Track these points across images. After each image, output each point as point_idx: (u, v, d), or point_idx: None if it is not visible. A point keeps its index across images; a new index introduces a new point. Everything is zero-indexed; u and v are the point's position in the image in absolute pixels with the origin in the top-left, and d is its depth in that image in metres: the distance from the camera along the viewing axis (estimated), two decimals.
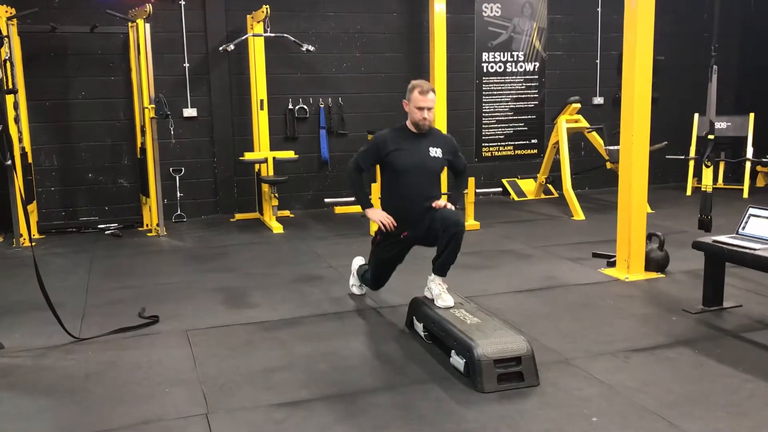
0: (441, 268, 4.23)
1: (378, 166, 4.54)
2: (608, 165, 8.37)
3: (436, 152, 4.33)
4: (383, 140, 4.33)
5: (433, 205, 4.25)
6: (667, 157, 8.79)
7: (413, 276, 5.44)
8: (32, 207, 7.32)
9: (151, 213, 7.50)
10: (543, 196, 9.28)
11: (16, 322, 4.57)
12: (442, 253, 4.19)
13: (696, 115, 9.46)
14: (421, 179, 4.29)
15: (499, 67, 9.39)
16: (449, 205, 4.28)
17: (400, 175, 4.29)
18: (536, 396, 3.34)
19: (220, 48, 7.84)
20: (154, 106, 7.15)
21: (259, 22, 7.71)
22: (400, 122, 4.45)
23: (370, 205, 4.46)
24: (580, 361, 3.75)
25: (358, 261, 5.10)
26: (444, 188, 5.94)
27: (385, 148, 4.30)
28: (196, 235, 7.41)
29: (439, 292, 4.14)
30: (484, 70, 9.33)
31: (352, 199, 7.48)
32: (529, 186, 9.41)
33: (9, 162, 4.36)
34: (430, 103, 4.21)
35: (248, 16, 7.95)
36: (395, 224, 4.31)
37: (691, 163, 9.33)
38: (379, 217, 4.32)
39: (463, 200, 7.20)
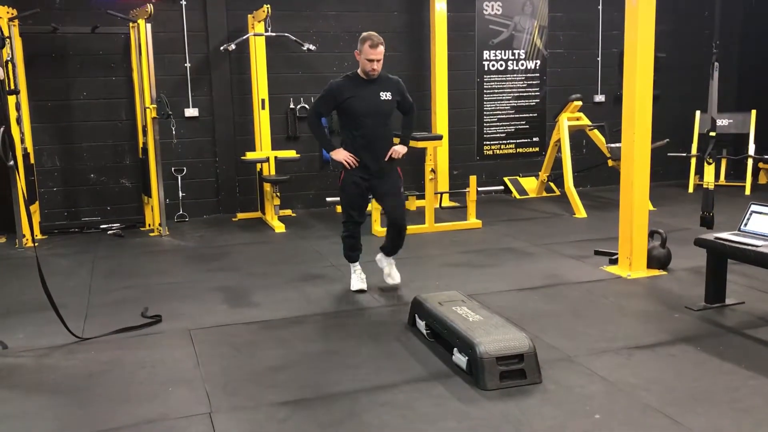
0: (392, 252, 5.08)
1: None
2: (610, 163, 8.37)
3: (386, 95, 4.84)
4: (338, 88, 4.80)
5: (388, 154, 4.86)
6: (668, 154, 8.77)
7: (414, 275, 5.46)
8: (35, 207, 7.33)
9: (153, 213, 7.51)
10: (545, 194, 9.28)
11: (20, 322, 4.59)
12: (393, 243, 5.01)
13: (697, 113, 9.45)
14: (376, 121, 4.82)
15: (500, 65, 9.39)
16: (401, 151, 4.90)
17: (355, 118, 4.81)
18: (539, 393, 3.35)
19: (221, 48, 7.84)
20: (155, 106, 7.16)
21: (260, 21, 7.71)
22: (352, 71, 4.87)
23: (333, 147, 4.95)
24: (583, 358, 3.76)
25: (355, 265, 5.20)
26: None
27: (341, 96, 4.78)
28: (198, 234, 7.42)
29: (389, 270, 5.08)
30: (485, 69, 9.33)
31: None
32: (530, 184, 9.41)
33: (11, 163, 4.36)
34: (379, 56, 4.69)
35: (249, 15, 7.95)
36: (357, 161, 4.82)
37: (693, 161, 9.32)
38: (342, 156, 4.84)
39: (464, 198, 7.20)
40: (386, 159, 4.89)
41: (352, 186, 4.90)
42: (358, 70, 4.82)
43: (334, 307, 4.79)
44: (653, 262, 5.39)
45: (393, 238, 5.00)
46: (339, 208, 5.41)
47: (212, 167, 8.37)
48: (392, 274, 5.08)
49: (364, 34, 4.76)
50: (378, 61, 4.69)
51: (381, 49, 4.69)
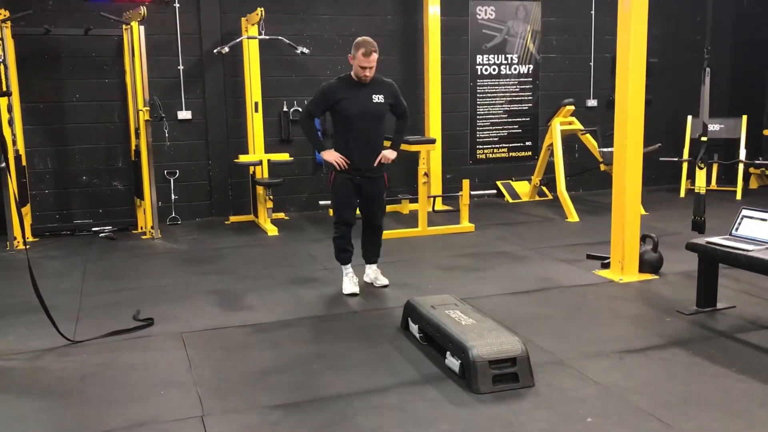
0: (374, 258, 5.26)
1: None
2: (602, 167, 8.40)
3: (378, 98, 4.88)
4: (331, 90, 4.86)
5: (378, 159, 4.91)
6: (660, 159, 8.82)
7: (407, 278, 5.46)
8: (26, 210, 7.30)
9: (146, 215, 7.48)
10: (537, 198, 9.30)
11: (11, 324, 4.56)
12: (371, 248, 5.21)
13: (689, 118, 9.50)
14: (367, 123, 4.87)
15: (493, 70, 9.42)
16: (390, 156, 4.95)
17: (348, 120, 4.85)
18: (531, 397, 3.35)
19: (215, 50, 7.83)
20: (148, 108, 7.14)
21: (253, 24, 7.70)
22: (346, 73, 4.93)
23: (324, 148, 5.02)
24: (575, 361, 3.77)
25: (347, 268, 5.20)
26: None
27: (334, 97, 4.83)
28: (191, 237, 7.40)
29: (376, 275, 5.22)
30: (479, 73, 9.35)
31: None
32: (523, 188, 9.43)
33: (3, 164, 4.35)
34: (372, 63, 4.74)
35: (243, 18, 7.95)
36: (348, 162, 4.86)
37: (685, 165, 9.37)
38: (333, 157, 4.89)
39: (457, 202, 7.22)
40: (375, 164, 4.93)
41: (343, 186, 4.95)
42: (352, 73, 4.86)
43: (327, 310, 4.79)
44: (645, 266, 5.40)
45: (368, 241, 5.17)
46: (331, 211, 5.41)
47: (205, 170, 8.36)
48: (379, 278, 5.24)
49: (359, 39, 4.79)
50: (371, 68, 4.75)
51: (374, 57, 4.74)
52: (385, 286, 5.19)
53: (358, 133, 4.85)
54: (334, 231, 5.08)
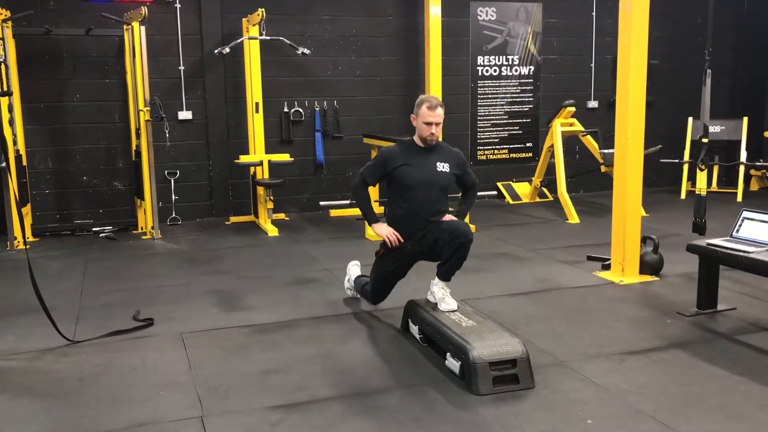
0: (446, 273, 4.22)
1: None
2: (603, 168, 8.39)
3: (443, 167, 4.27)
4: (391, 155, 4.29)
5: (444, 217, 4.26)
6: (661, 160, 8.80)
7: (408, 279, 5.44)
8: (26, 210, 7.30)
9: (146, 216, 7.48)
10: (538, 199, 9.30)
11: (10, 324, 4.56)
12: (449, 260, 4.17)
13: (690, 119, 9.50)
14: (429, 194, 4.25)
15: (494, 71, 9.41)
16: (454, 219, 4.29)
17: (407, 189, 4.25)
18: (531, 398, 3.35)
19: (216, 51, 7.83)
20: (149, 108, 7.14)
21: (254, 25, 7.71)
22: (408, 136, 4.41)
23: (377, 221, 4.39)
24: (575, 363, 3.76)
25: (354, 264, 5.11)
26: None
27: (393, 163, 4.25)
28: (191, 237, 7.40)
29: (443, 296, 4.14)
30: (479, 74, 9.35)
31: (347, 202, 7.50)
32: (524, 189, 9.43)
33: (3, 164, 4.35)
34: (438, 119, 4.17)
35: (243, 19, 7.95)
36: (401, 240, 4.28)
37: (686, 167, 9.37)
38: (385, 232, 4.27)
39: (463, 216, 7.21)
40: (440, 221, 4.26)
41: (390, 267, 4.44)
42: (415, 137, 4.32)
43: (327, 311, 4.78)
44: (646, 267, 5.40)
45: (453, 253, 4.15)
46: (370, 282, 4.77)
47: (205, 170, 8.36)
48: (446, 299, 4.15)
49: (421, 96, 4.30)
50: (437, 125, 4.17)
51: (440, 111, 4.17)
52: (454, 311, 4.09)
53: (417, 203, 4.23)
54: (370, 294, 4.69)
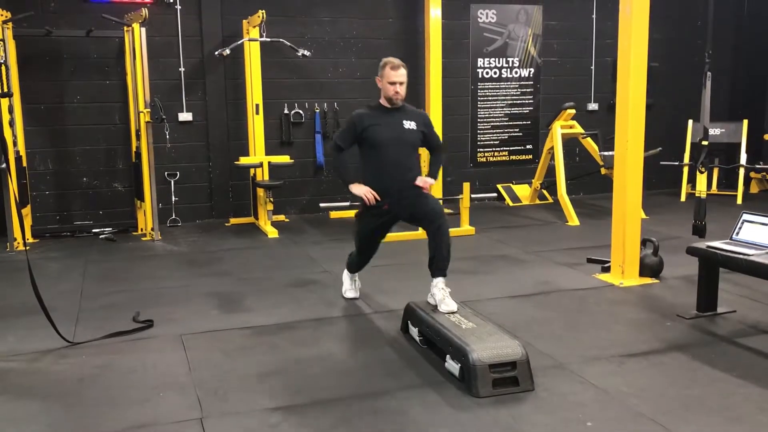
0: (439, 268, 4.30)
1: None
2: (603, 171, 8.39)
3: (410, 125, 4.48)
4: (359, 118, 4.48)
5: (416, 183, 4.43)
6: (661, 163, 8.79)
7: (408, 281, 5.45)
8: (26, 211, 7.30)
9: (146, 217, 7.49)
10: (538, 201, 9.30)
11: (10, 326, 4.56)
12: (436, 254, 4.30)
13: (690, 122, 9.50)
14: (399, 151, 4.45)
15: (495, 73, 9.42)
16: (429, 181, 4.48)
17: (378, 149, 4.43)
18: (531, 401, 3.35)
19: (216, 52, 7.84)
20: (149, 110, 7.14)
21: (254, 26, 7.72)
22: (375, 101, 4.59)
23: (354, 181, 4.53)
24: (575, 366, 3.76)
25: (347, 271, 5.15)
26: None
27: (362, 125, 4.45)
28: (191, 239, 7.40)
29: (443, 297, 4.17)
30: (480, 76, 9.36)
31: (347, 204, 7.49)
32: (524, 191, 9.43)
33: (3, 165, 4.35)
34: (402, 78, 4.38)
35: (244, 20, 7.96)
36: (378, 198, 4.42)
37: (685, 169, 9.37)
38: (362, 191, 4.42)
39: (457, 205, 7.21)
40: (413, 184, 4.44)
41: (370, 224, 4.61)
42: (381, 99, 4.52)
43: (327, 313, 4.78)
44: (645, 270, 5.40)
45: (433, 240, 4.33)
46: (354, 243, 4.97)
47: (205, 172, 8.36)
48: (446, 300, 4.16)
49: (384, 59, 4.48)
50: (401, 84, 4.38)
51: (403, 71, 4.39)
52: (452, 313, 4.09)
53: (388, 161, 4.41)
54: (356, 255, 4.87)
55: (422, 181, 4.45)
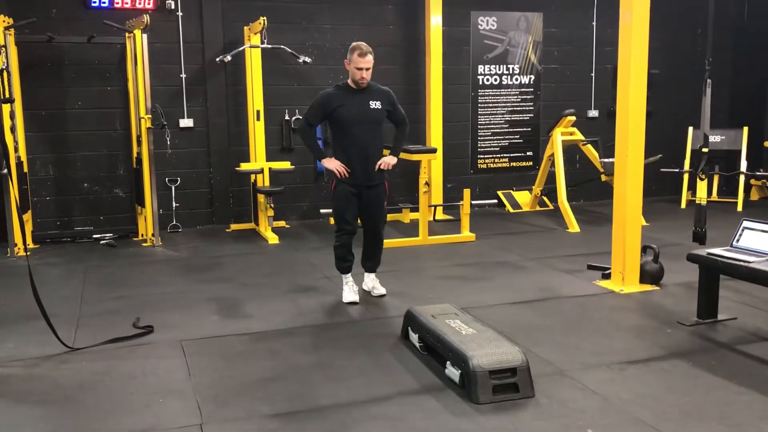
0: (373, 267, 5.27)
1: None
2: (603, 177, 8.40)
3: (376, 104, 4.91)
4: (328, 98, 4.90)
5: (378, 165, 4.92)
6: (661, 170, 8.81)
7: (407, 287, 5.46)
8: (27, 216, 7.30)
9: (147, 223, 7.49)
10: (538, 208, 9.30)
11: (10, 331, 4.56)
12: (372, 257, 5.21)
13: (690, 129, 9.52)
14: (365, 129, 4.90)
15: (495, 80, 9.44)
16: (390, 161, 4.96)
17: (346, 127, 4.88)
18: (531, 407, 3.34)
19: (217, 59, 7.85)
20: (150, 116, 7.15)
21: (256, 33, 7.73)
22: (342, 80, 5.01)
23: (325, 156, 5.05)
24: (576, 372, 3.76)
25: (346, 277, 5.20)
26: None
27: (330, 105, 4.87)
28: (192, 245, 7.40)
29: (373, 285, 5.21)
30: (480, 83, 9.37)
31: None
32: (524, 198, 9.43)
33: (4, 171, 4.36)
34: (368, 64, 4.77)
35: (245, 27, 7.98)
36: (348, 171, 4.87)
37: (686, 176, 9.37)
38: (334, 165, 4.89)
39: (458, 211, 7.22)
40: (376, 169, 4.95)
41: (343, 194, 4.95)
42: (348, 80, 4.92)
43: (327, 319, 4.78)
44: (646, 277, 5.40)
45: (369, 250, 5.18)
46: (332, 220, 5.39)
47: (206, 178, 8.37)
48: (376, 287, 5.22)
49: (354, 43, 4.85)
50: (367, 69, 4.78)
51: (370, 57, 4.77)
52: (383, 296, 5.19)
53: (356, 139, 4.88)
54: (335, 240, 5.08)
55: (384, 164, 4.94)
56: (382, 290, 5.20)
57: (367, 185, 4.97)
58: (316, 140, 5.13)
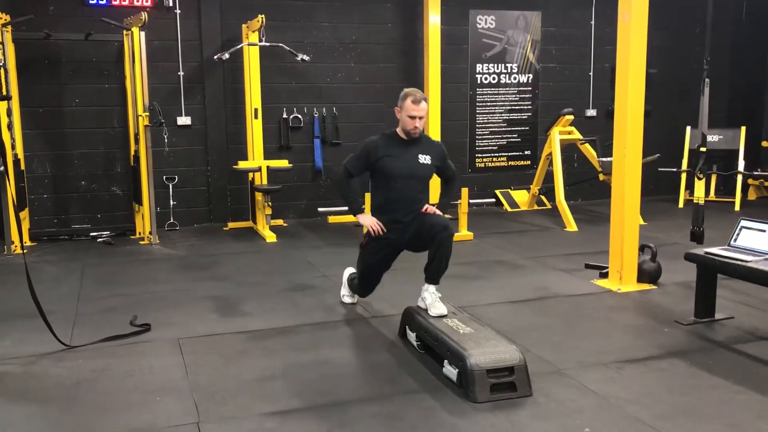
0: (433, 275, 4.26)
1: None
2: (601, 177, 8.40)
3: (425, 159, 4.38)
4: (374, 146, 4.36)
5: (422, 210, 4.35)
6: (659, 169, 8.83)
7: (406, 285, 5.44)
8: (24, 214, 7.29)
9: (144, 221, 7.48)
10: (536, 207, 9.30)
11: (7, 329, 4.54)
12: (433, 261, 4.24)
13: (688, 128, 9.52)
14: (410, 185, 4.35)
15: (493, 79, 9.44)
16: (437, 211, 4.37)
17: (389, 180, 4.34)
18: (529, 406, 3.34)
19: (215, 57, 7.85)
20: (148, 114, 7.14)
21: (254, 31, 7.72)
22: (390, 128, 4.48)
23: (361, 211, 4.50)
24: (573, 371, 3.76)
25: (349, 270, 5.10)
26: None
27: (376, 154, 4.34)
28: (189, 243, 7.39)
29: (432, 301, 4.15)
30: (478, 82, 9.37)
31: (346, 208, 7.48)
32: (522, 197, 9.43)
33: (2, 169, 4.35)
34: (422, 113, 4.24)
35: (243, 25, 7.97)
36: (384, 230, 4.36)
37: (684, 176, 9.38)
38: (369, 222, 4.39)
39: (456, 210, 7.22)
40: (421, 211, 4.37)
41: (375, 253, 4.50)
42: (398, 129, 4.39)
43: (325, 318, 4.77)
44: (643, 276, 5.40)
45: (435, 251, 4.23)
46: (356, 270, 4.88)
47: (204, 176, 8.36)
48: (436, 305, 4.12)
49: (406, 90, 4.35)
50: (420, 118, 4.25)
51: (424, 105, 4.24)
52: (443, 316, 4.05)
53: (399, 194, 4.33)
54: (358, 285, 4.80)
55: (430, 209, 4.36)
56: (443, 310, 4.08)
57: (406, 227, 4.38)
58: (356, 194, 4.53)
